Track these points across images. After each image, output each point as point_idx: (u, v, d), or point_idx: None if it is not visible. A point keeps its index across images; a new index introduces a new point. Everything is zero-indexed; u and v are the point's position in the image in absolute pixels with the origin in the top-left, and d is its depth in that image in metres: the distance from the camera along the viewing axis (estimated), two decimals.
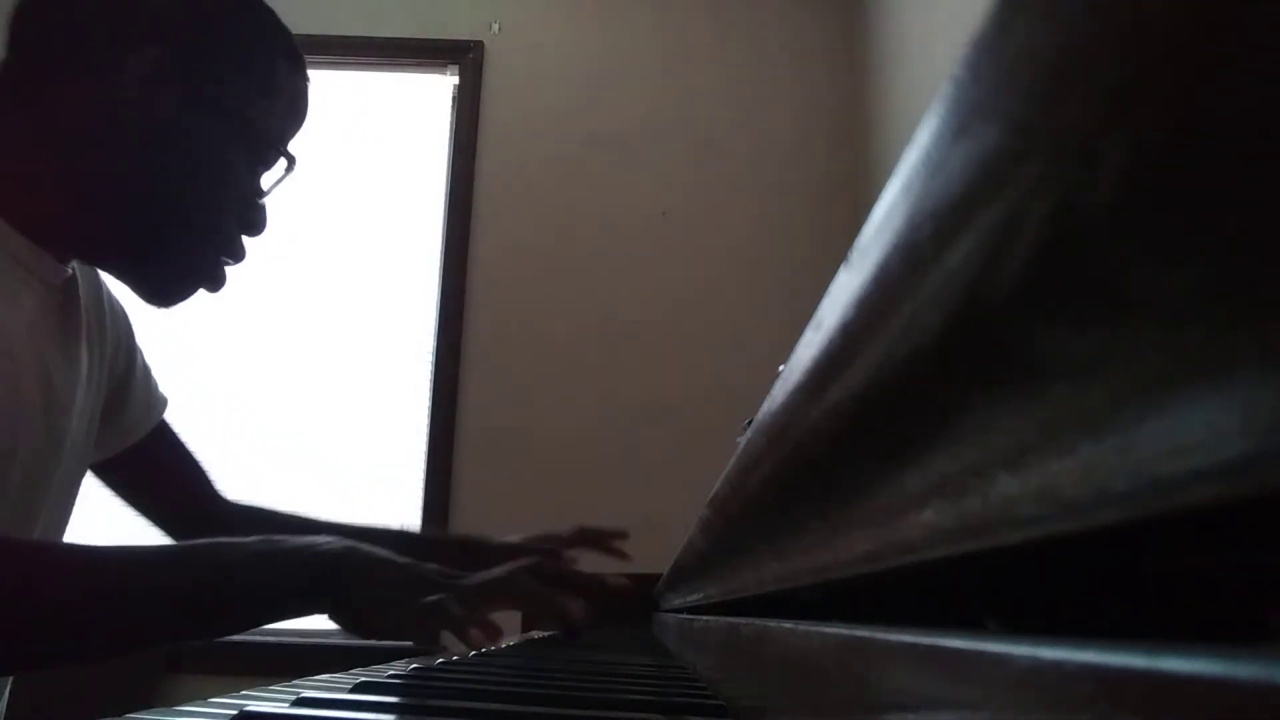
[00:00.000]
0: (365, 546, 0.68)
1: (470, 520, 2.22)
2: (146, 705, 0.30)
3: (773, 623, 0.32)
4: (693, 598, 0.72)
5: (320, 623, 0.71)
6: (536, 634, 0.90)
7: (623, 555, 1.09)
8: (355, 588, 0.65)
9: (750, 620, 0.39)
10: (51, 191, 0.71)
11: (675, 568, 0.85)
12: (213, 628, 0.69)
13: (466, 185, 2.47)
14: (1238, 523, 0.10)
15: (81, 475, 0.81)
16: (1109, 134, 0.08)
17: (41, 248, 0.71)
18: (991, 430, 0.13)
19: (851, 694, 0.21)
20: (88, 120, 0.71)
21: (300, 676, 0.41)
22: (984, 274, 0.11)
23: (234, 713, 0.30)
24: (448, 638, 0.68)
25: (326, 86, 2.30)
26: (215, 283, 0.79)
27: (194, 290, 0.78)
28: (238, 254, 0.80)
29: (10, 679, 0.75)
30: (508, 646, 0.80)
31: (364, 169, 2.48)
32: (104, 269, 0.80)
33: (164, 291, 0.77)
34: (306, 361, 2.40)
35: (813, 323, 0.19)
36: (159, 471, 0.94)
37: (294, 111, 0.82)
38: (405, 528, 1.08)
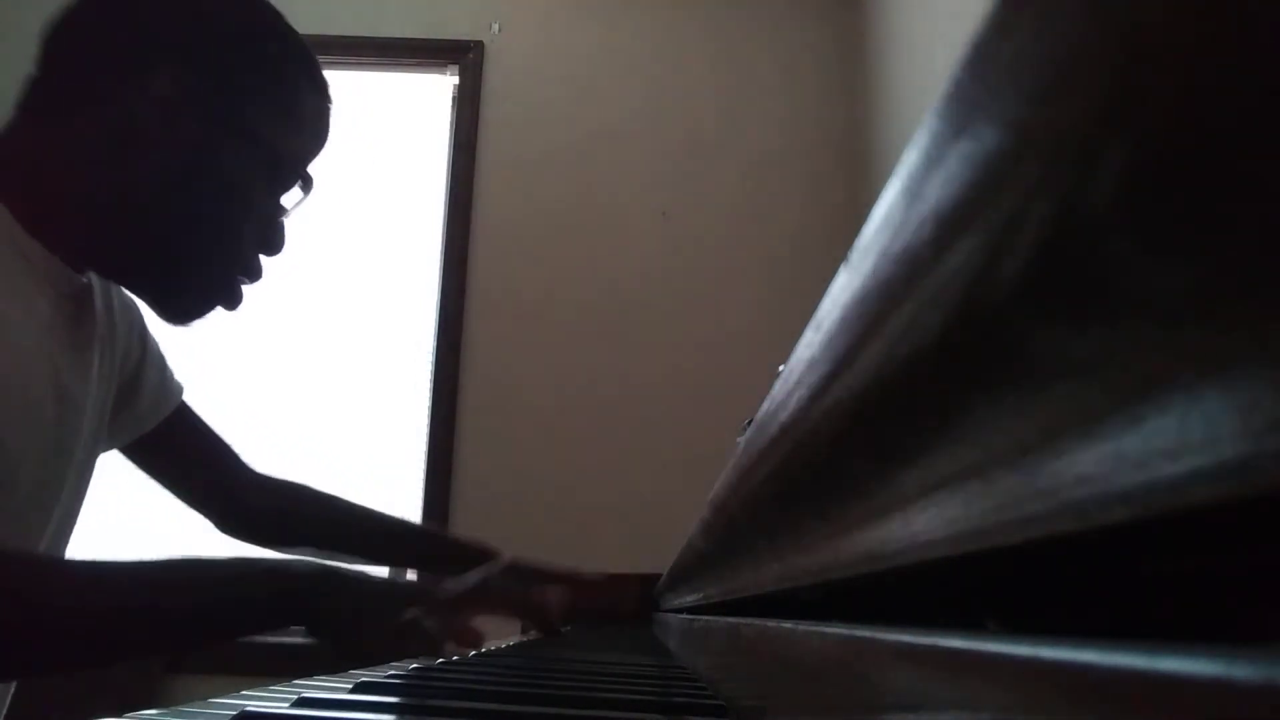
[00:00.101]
0: (341, 567, 0.70)
1: (470, 520, 2.22)
2: (146, 705, 0.30)
3: (773, 623, 0.32)
4: (693, 598, 0.72)
5: None
6: (518, 637, 0.91)
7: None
8: (331, 608, 0.66)
9: (750, 620, 0.39)
10: (72, 207, 0.72)
11: (675, 568, 0.85)
12: (186, 644, 0.70)
13: (466, 185, 2.47)
14: (1238, 523, 0.10)
15: (91, 471, 0.82)
16: (1109, 134, 0.08)
17: (60, 258, 0.72)
18: (991, 430, 0.13)
19: (851, 694, 0.21)
20: (109, 139, 0.71)
21: (300, 676, 0.41)
22: (984, 274, 0.11)
23: (234, 713, 0.30)
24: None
25: None
26: (232, 301, 0.79)
27: (211, 309, 0.79)
28: (255, 274, 0.80)
29: (12, 687, 0.75)
30: (507, 646, 0.80)
31: (364, 169, 2.48)
32: (122, 285, 0.81)
33: (181, 310, 0.78)
34: (306, 361, 2.41)
35: (813, 323, 0.19)
36: (184, 454, 0.96)
37: (316, 134, 0.82)
38: (471, 542, 1.09)
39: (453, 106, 2.55)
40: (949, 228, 0.11)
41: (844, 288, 0.16)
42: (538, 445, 2.29)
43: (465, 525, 2.22)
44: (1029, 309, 0.10)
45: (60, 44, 0.74)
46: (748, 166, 2.48)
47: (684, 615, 0.80)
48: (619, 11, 2.59)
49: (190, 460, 0.97)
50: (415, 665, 0.54)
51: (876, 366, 0.15)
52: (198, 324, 0.80)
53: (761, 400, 0.26)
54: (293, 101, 0.78)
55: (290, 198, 0.81)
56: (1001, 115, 0.10)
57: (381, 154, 2.51)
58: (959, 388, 0.13)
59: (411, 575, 2.06)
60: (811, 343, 0.19)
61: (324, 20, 2.41)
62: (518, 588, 0.74)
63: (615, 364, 2.34)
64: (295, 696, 0.35)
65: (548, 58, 2.56)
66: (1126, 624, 0.16)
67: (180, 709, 0.30)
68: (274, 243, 0.81)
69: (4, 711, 0.75)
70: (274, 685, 0.38)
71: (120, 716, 0.27)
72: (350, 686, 0.40)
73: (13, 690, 0.76)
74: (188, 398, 0.98)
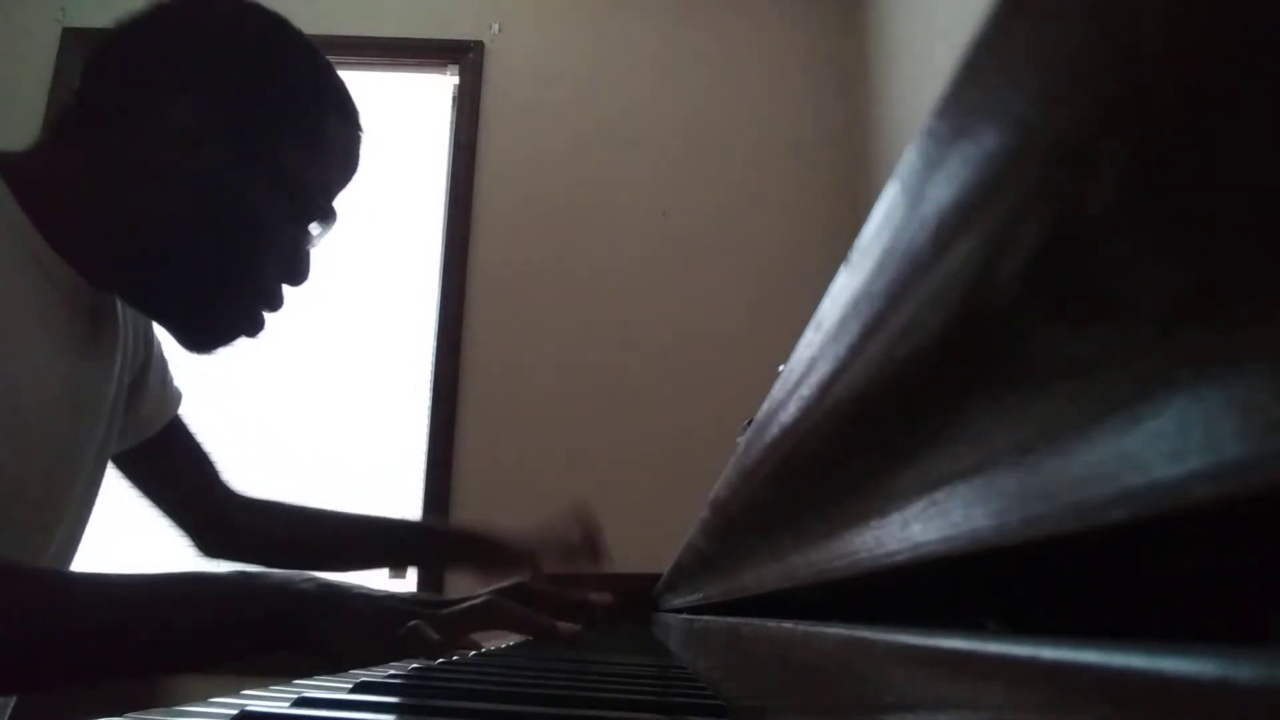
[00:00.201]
0: (341, 584, 0.69)
1: (470, 519, 2.22)
2: (146, 705, 0.30)
3: (773, 623, 0.32)
4: (693, 598, 0.72)
5: None
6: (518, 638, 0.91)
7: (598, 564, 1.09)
8: (331, 626, 0.66)
9: (750, 620, 0.39)
10: (93, 230, 0.72)
11: (675, 568, 0.85)
12: (183, 664, 0.69)
13: (466, 185, 2.47)
14: (1238, 523, 0.10)
15: (100, 479, 0.82)
16: (1109, 134, 0.08)
17: (82, 273, 0.72)
18: (991, 430, 0.13)
19: (851, 694, 0.21)
20: (131, 166, 0.72)
21: (300, 677, 0.41)
22: (984, 274, 0.11)
23: (234, 713, 0.30)
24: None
25: None
26: (254, 330, 0.79)
27: (233, 339, 0.79)
28: (276, 303, 0.80)
29: (13, 699, 0.75)
30: (508, 646, 0.80)
31: (364, 169, 2.47)
32: (142, 312, 0.81)
33: (201, 339, 0.78)
34: (307, 361, 2.40)
35: (813, 323, 0.19)
36: (173, 466, 0.95)
37: (343, 166, 0.82)
38: (414, 519, 1.10)
39: (453, 106, 2.55)
40: (949, 228, 0.11)
41: (844, 288, 0.16)
42: (537, 445, 2.29)
43: None
44: (1029, 309, 0.10)
45: (95, 70, 0.75)
46: (747, 166, 2.48)
47: (684, 615, 0.80)
48: (618, 12, 2.59)
49: (179, 470, 0.96)
50: (415, 665, 0.54)
51: (876, 366, 0.15)
52: (221, 353, 0.79)
53: (761, 400, 0.26)
54: (319, 133, 0.77)
55: (316, 228, 0.81)
56: (1001, 115, 0.10)
57: (381, 154, 2.51)
58: (959, 387, 0.13)
59: (413, 574, 2.06)
60: (811, 343, 0.19)
61: (324, 20, 2.41)
62: (524, 610, 0.73)
63: (615, 363, 2.34)
64: (295, 696, 0.35)
65: (548, 58, 2.56)
66: (1126, 624, 0.16)
67: (180, 709, 0.30)
68: (297, 273, 0.80)
69: (6, 716, 0.75)
70: (274, 685, 0.38)
71: (120, 716, 0.27)
72: (350, 686, 0.40)
73: (12, 704, 0.76)
74: (184, 406, 0.98)
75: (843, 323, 0.16)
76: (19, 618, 0.58)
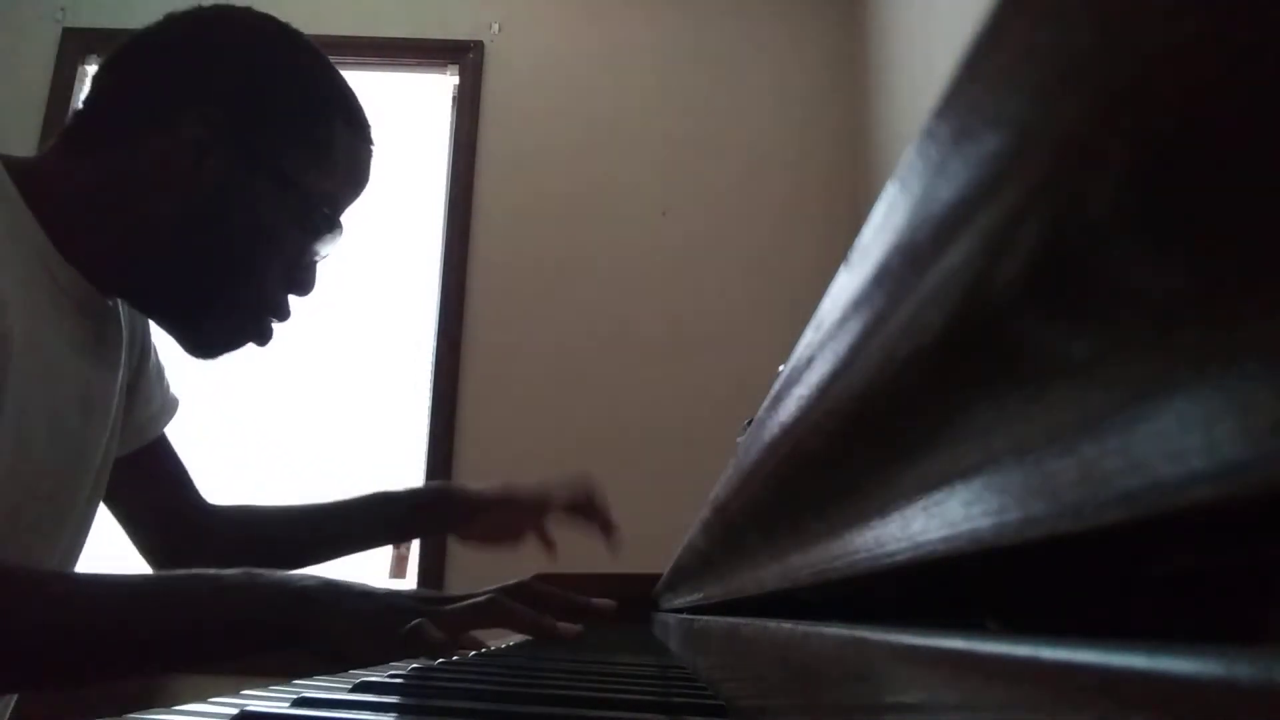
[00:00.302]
0: (343, 581, 0.69)
1: None
2: (146, 705, 0.30)
3: (773, 623, 0.32)
4: (693, 598, 0.72)
5: None
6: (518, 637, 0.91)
7: (608, 535, 1.08)
8: (333, 623, 0.66)
9: (750, 620, 0.39)
10: (100, 238, 0.72)
11: (675, 568, 0.85)
12: (186, 661, 0.69)
13: (466, 185, 2.47)
14: (1238, 523, 0.10)
15: (105, 481, 0.82)
16: (1109, 134, 0.08)
17: (89, 280, 0.73)
18: (991, 430, 0.13)
19: (851, 694, 0.21)
20: (141, 175, 0.72)
21: (300, 677, 0.41)
22: (984, 274, 0.11)
23: (234, 713, 0.30)
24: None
25: None
26: (262, 339, 0.80)
27: (236, 346, 0.79)
28: (283, 314, 0.80)
29: (14, 697, 0.75)
30: (508, 646, 0.80)
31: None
32: (146, 316, 0.81)
33: (203, 345, 0.78)
34: (307, 361, 2.40)
35: (813, 323, 0.19)
36: (156, 478, 0.94)
37: (352, 179, 0.82)
38: (387, 490, 1.07)
39: (453, 106, 2.55)
40: (948, 228, 0.11)
41: (844, 288, 0.16)
42: (537, 444, 2.29)
43: None
44: (1029, 309, 0.10)
45: (106, 79, 0.75)
46: (747, 166, 2.48)
47: (684, 615, 0.80)
48: (619, 11, 2.59)
49: (164, 480, 0.95)
50: (415, 665, 0.54)
51: (876, 366, 0.15)
52: (224, 358, 0.80)
53: (761, 400, 0.26)
54: (328, 145, 0.77)
55: (324, 241, 0.81)
56: (1001, 115, 0.10)
57: (381, 154, 2.51)
58: (959, 387, 0.13)
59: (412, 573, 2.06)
60: (811, 343, 0.19)
61: (324, 20, 2.41)
62: (526, 609, 0.73)
63: (615, 363, 2.34)
64: (295, 696, 0.35)
65: (548, 58, 2.56)
66: (1126, 624, 0.16)
67: (180, 709, 0.30)
68: (304, 284, 0.81)
69: (7, 716, 0.75)
70: (274, 685, 0.38)
71: (120, 716, 0.27)
72: (350, 686, 0.40)
73: (14, 702, 0.76)
74: (184, 407, 0.97)
75: (843, 323, 0.16)
76: (20, 617, 0.58)
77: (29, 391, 0.65)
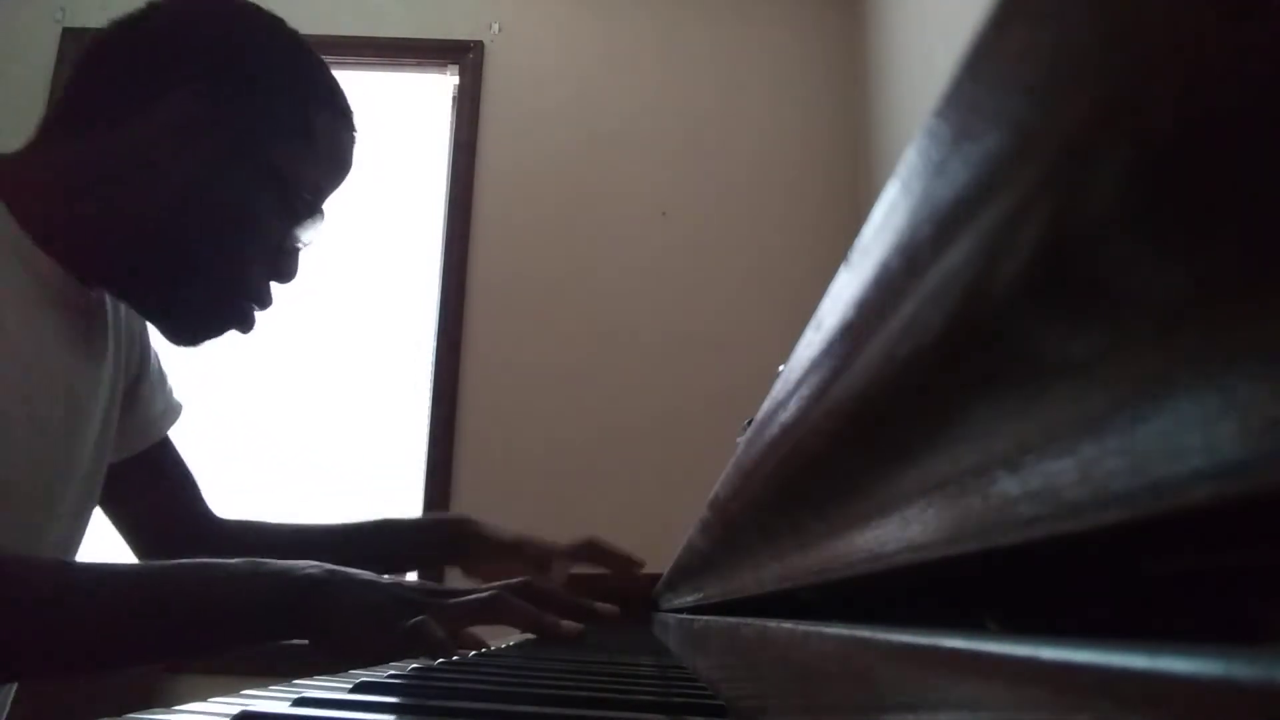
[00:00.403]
0: (347, 570, 0.68)
1: None
2: (146, 705, 0.30)
3: (773, 623, 0.32)
4: (693, 598, 0.72)
5: None
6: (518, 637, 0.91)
7: (632, 577, 1.08)
8: (336, 612, 0.65)
9: (750, 620, 0.39)
10: (80, 224, 0.72)
11: (675, 568, 0.85)
12: (190, 648, 0.69)
13: (466, 185, 2.47)
14: (1238, 523, 0.10)
15: (100, 482, 0.81)
16: (1109, 134, 0.08)
17: (72, 273, 0.72)
18: (991, 430, 0.13)
19: (851, 694, 0.21)
20: (120, 162, 0.72)
21: (300, 676, 0.41)
22: (984, 274, 0.11)
23: (234, 713, 0.30)
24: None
25: None
26: (244, 326, 0.79)
27: (218, 333, 0.78)
28: (264, 301, 0.79)
29: (12, 690, 0.75)
30: (508, 646, 0.80)
31: (364, 169, 2.48)
32: (127, 303, 0.81)
33: (184, 332, 0.78)
34: (307, 362, 2.40)
35: (813, 323, 0.19)
36: (157, 484, 0.93)
37: (335, 165, 0.81)
38: (394, 518, 1.07)
39: (453, 106, 2.55)
40: (949, 228, 0.11)
41: (844, 288, 0.16)
42: (537, 444, 2.29)
43: None
44: (1029, 309, 0.10)
45: (85, 68, 0.75)
46: (747, 166, 2.48)
47: (684, 615, 0.80)
48: (619, 12, 2.59)
49: (167, 487, 0.94)
50: (415, 665, 0.54)
51: (876, 366, 0.15)
52: (207, 345, 0.79)
53: (761, 400, 0.26)
54: (310, 131, 0.77)
55: (306, 228, 0.80)
56: (1001, 115, 0.10)
57: (382, 154, 2.51)
58: (959, 387, 0.13)
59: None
60: (811, 343, 0.19)
61: (324, 20, 2.41)
62: (529, 607, 0.73)
63: (615, 363, 2.34)
64: (295, 696, 0.35)
65: (548, 58, 2.56)
66: (1126, 624, 0.16)
67: (180, 709, 0.30)
68: (285, 271, 0.80)
69: (4, 714, 0.75)
70: (274, 685, 0.38)
71: (120, 716, 0.27)
72: (350, 686, 0.40)
73: (13, 693, 0.76)
74: (184, 408, 0.97)
75: (843, 323, 0.16)
76: (20, 606, 0.58)
77: (4, 381, 0.65)
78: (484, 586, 0.75)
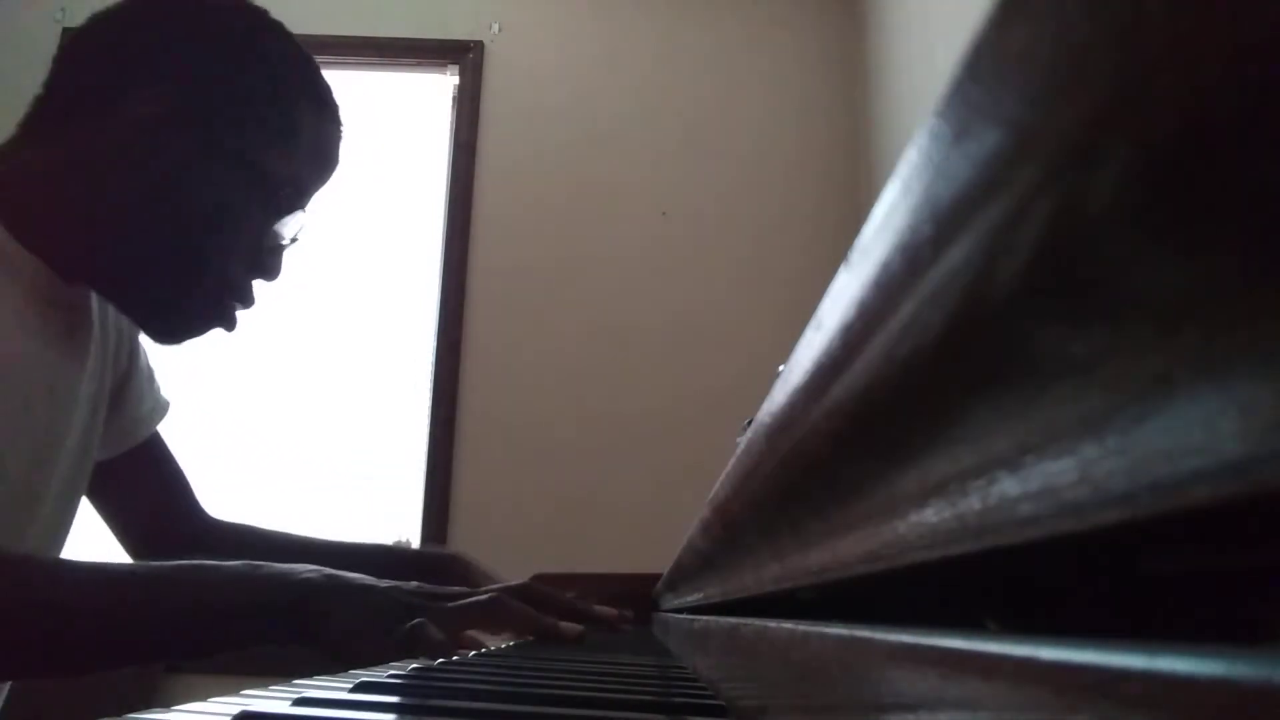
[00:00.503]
0: (345, 574, 0.68)
1: (471, 518, 2.22)
2: (146, 705, 0.30)
3: (773, 623, 0.32)
4: (693, 598, 0.72)
5: None
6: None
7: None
8: (334, 615, 0.65)
9: (750, 620, 0.39)
10: (59, 221, 0.72)
11: (675, 568, 0.85)
12: (188, 649, 0.68)
13: (466, 185, 2.47)
14: (1238, 523, 0.10)
15: (84, 479, 0.81)
16: (1109, 134, 0.08)
17: (53, 268, 0.72)
18: (991, 430, 0.13)
19: (851, 694, 0.21)
20: (97, 158, 0.71)
21: (300, 676, 0.41)
22: (984, 274, 0.11)
23: (234, 713, 0.30)
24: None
25: None
26: (227, 323, 0.78)
27: (200, 331, 0.78)
28: (247, 299, 0.78)
29: (6, 688, 0.75)
30: (507, 646, 0.80)
31: (364, 169, 2.48)
32: (108, 301, 0.80)
33: (165, 329, 0.77)
34: (307, 362, 2.40)
35: (813, 323, 0.19)
36: (148, 482, 0.93)
37: (318, 161, 0.80)
38: (393, 544, 1.07)
39: (453, 106, 2.55)
40: (949, 228, 0.11)
41: (844, 288, 0.16)
42: (537, 444, 2.29)
43: (466, 523, 2.22)
44: (1029, 309, 0.10)
45: (63, 63, 0.74)
46: (747, 166, 2.48)
47: (684, 615, 0.80)
48: (619, 12, 2.59)
49: (156, 486, 0.94)
50: (415, 665, 0.54)
51: (877, 366, 0.15)
52: (189, 343, 0.78)
53: (761, 400, 0.26)
54: (291, 126, 0.76)
55: (290, 225, 0.79)
56: (1002, 115, 0.10)
57: (381, 154, 2.51)
58: (959, 387, 0.13)
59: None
60: (811, 343, 0.19)
61: (324, 20, 2.41)
62: (528, 609, 0.73)
63: (614, 362, 2.34)
64: (295, 696, 0.35)
65: (548, 58, 2.56)
66: (1126, 624, 0.16)
67: (180, 709, 0.30)
68: (269, 269, 0.79)
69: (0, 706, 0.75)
70: (274, 685, 0.38)
71: (120, 716, 0.27)
72: (350, 686, 0.40)
73: (6, 692, 0.76)
74: (184, 408, 0.96)
75: (843, 323, 0.16)
76: (14, 604, 0.58)
77: None
78: (483, 589, 0.75)
